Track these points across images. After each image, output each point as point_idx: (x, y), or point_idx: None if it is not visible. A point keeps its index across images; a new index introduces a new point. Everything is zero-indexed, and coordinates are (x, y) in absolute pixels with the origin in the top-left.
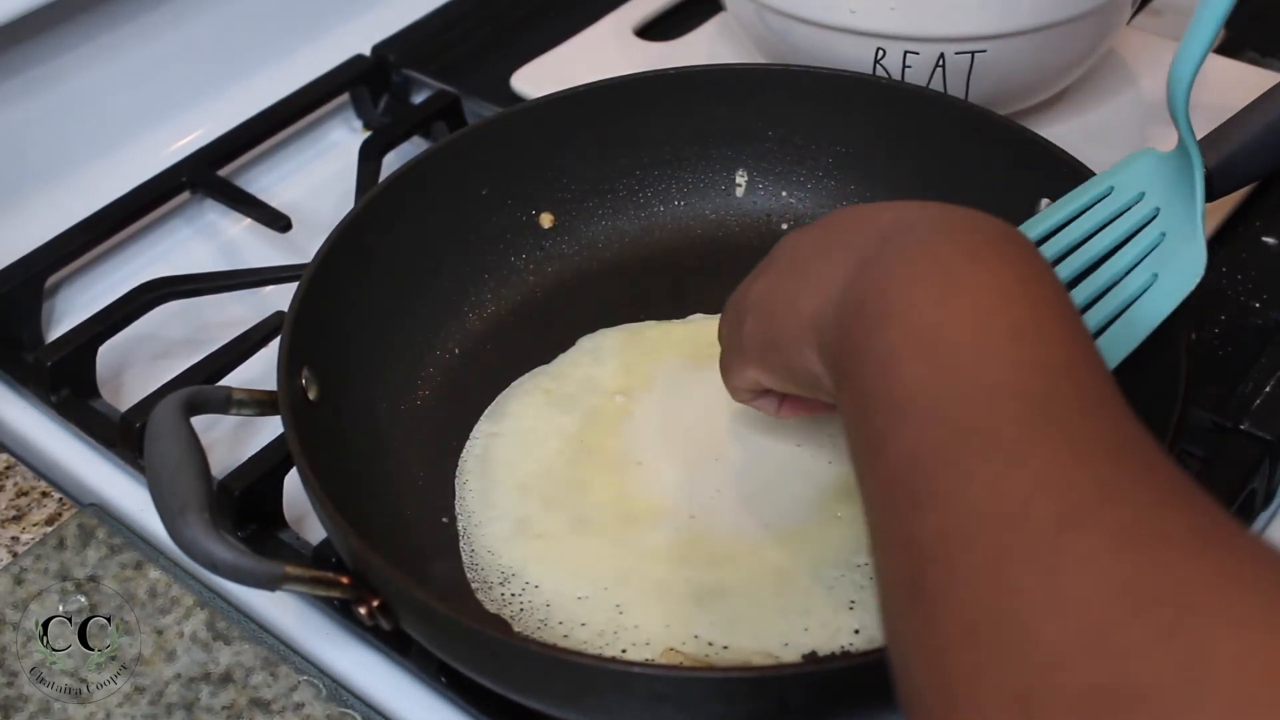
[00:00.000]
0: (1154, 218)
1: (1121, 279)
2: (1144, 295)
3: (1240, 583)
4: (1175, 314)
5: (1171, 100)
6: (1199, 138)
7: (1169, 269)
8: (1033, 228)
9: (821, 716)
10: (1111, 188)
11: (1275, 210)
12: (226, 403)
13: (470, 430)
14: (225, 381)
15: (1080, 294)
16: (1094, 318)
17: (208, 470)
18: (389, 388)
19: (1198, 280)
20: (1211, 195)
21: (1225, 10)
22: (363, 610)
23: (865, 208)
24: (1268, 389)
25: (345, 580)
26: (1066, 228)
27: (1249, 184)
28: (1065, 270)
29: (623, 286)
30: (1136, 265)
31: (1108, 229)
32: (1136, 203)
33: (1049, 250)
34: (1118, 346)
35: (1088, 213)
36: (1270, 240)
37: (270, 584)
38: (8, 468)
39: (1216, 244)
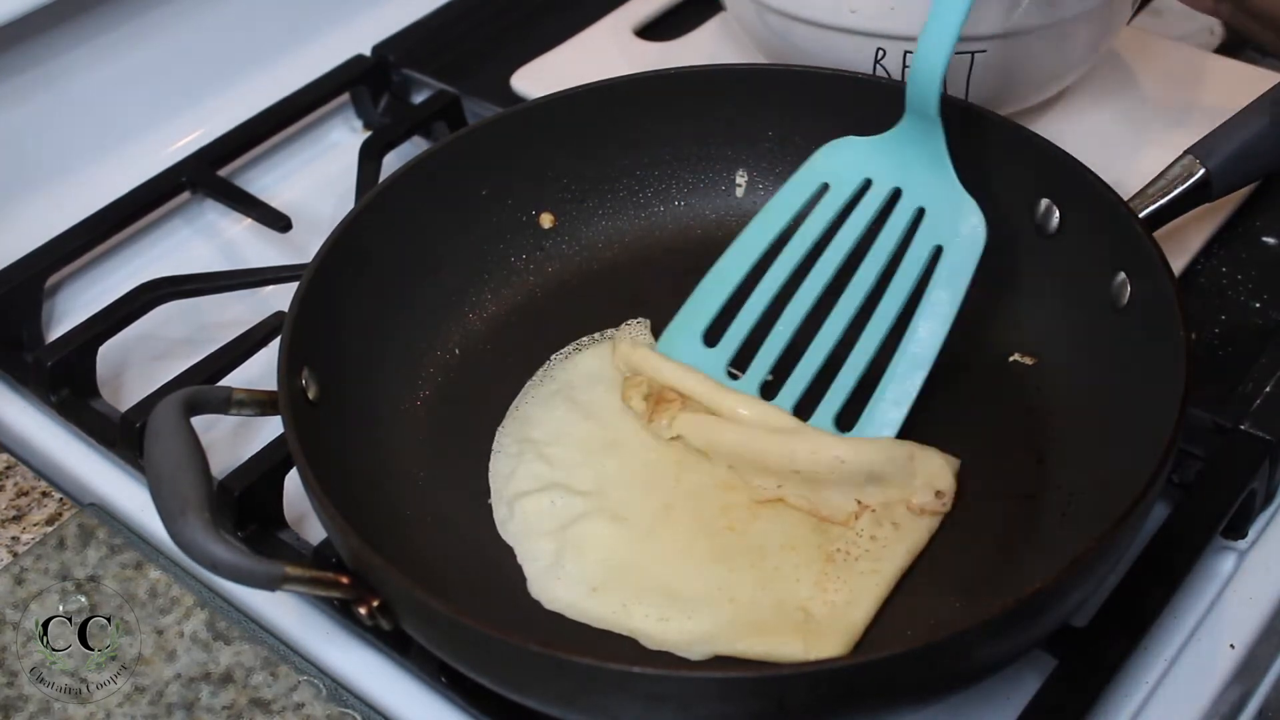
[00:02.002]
0: (896, 199)
1: (899, 261)
2: (939, 267)
3: None
4: (1175, 314)
5: (925, 80)
6: (1199, 139)
7: (950, 237)
8: (760, 233)
9: (821, 716)
10: (826, 183)
11: (1275, 210)
12: (226, 403)
13: (469, 430)
14: (225, 381)
15: (859, 288)
16: (890, 309)
17: (208, 470)
18: (389, 388)
19: (983, 236)
20: (1211, 195)
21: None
22: (362, 610)
23: None
24: (1268, 389)
25: (345, 580)
26: (795, 237)
27: (1249, 184)
28: (824, 272)
29: (623, 286)
30: (908, 244)
31: (853, 219)
32: (865, 189)
33: (783, 266)
34: (935, 323)
35: (819, 208)
36: (1270, 240)
37: (270, 584)
38: (8, 468)
39: (1216, 244)
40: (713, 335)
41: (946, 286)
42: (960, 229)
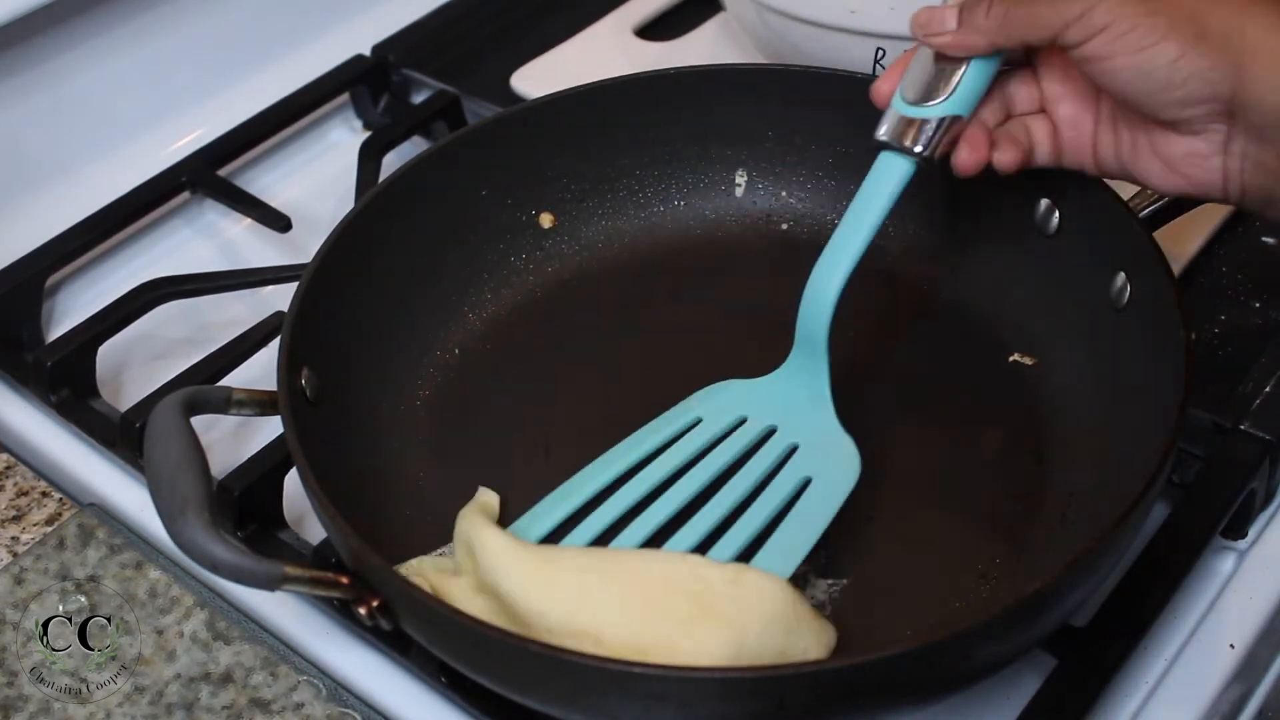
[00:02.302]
0: (769, 436)
1: (763, 488)
2: (805, 496)
3: None
4: (1175, 314)
5: (813, 308)
6: None
7: (823, 471)
8: (625, 451)
9: (821, 716)
10: (699, 417)
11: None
12: (226, 403)
13: (469, 430)
14: (225, 381)
15: (714, 513)
16: (743, 533)
17: (208, 470)
18: (389, 388)
19: (856, 475)
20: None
21: (877, 222)
22: (362, 610)
23: None
24: (1268, 389)
25: (345, 580)
26: (669, 450)
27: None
28: (691, 483)
29: (622, 286)
30: (778, 472)
31: (721, 447)
32: (738, 425)
33: (655, 472)
34: (795, 547)
35: (686, 437)
36: (1270, 240)
37: (270, 584)
38: (8, 468)
39: (1216, 244)
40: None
41: (812, 513)
42: (834, 464)
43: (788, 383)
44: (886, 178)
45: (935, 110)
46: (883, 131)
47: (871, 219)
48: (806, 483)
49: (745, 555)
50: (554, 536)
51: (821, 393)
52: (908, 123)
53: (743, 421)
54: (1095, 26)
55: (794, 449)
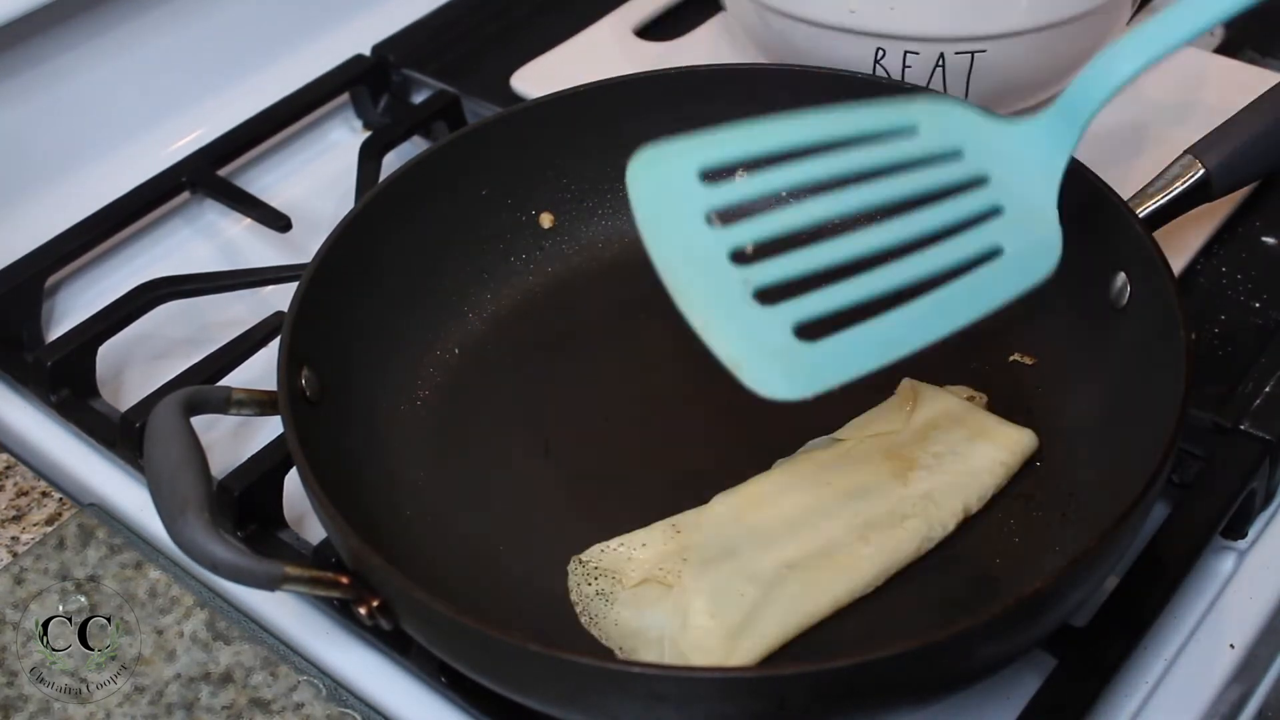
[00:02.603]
0: (977, 184)
1: (945, 236)
2: (985, 268)
3: None
4: (1176, 315)
5: (1097, 82)
6: (1199, 139)
7: (1016, 246)
8: (821, 124)
9: (821, 716)
10: (916, 126)
11: (1275, 209)
12: (226, 403)
13: (469, 430)
14: (225, 381)
15: (895, 231)
16: (919, 268)
17: (207, 470)
18: (389, 387)
19: (1050, 270)
20: (1211, 195)
21: (1226, 13)
22: (362, 610)
23: None
24: (1268, 389)
25: (345, 580)
26: (864, 148)
27: (1249, 184)
28: (868, 196)
29: (622, 287)
30: (965, 228)
31: (917, 174)
32: (950, 157)
33: (837, 162)
34: (954, 311)
35: (887, 144)
36: (1270, 240)
37: (270, 584)
38: (8, 468)
39: (1216, 244)
40: (713, 175)
41: (984, 287)
42: (1031, 248)
43: (1024, 139)
44: None
45: None
46: None
47: (1216, 11)
48: (994, 253)
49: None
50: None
51: (1055, 167)
52: None
53: (958, 154)
54: None
55: (997, 211)
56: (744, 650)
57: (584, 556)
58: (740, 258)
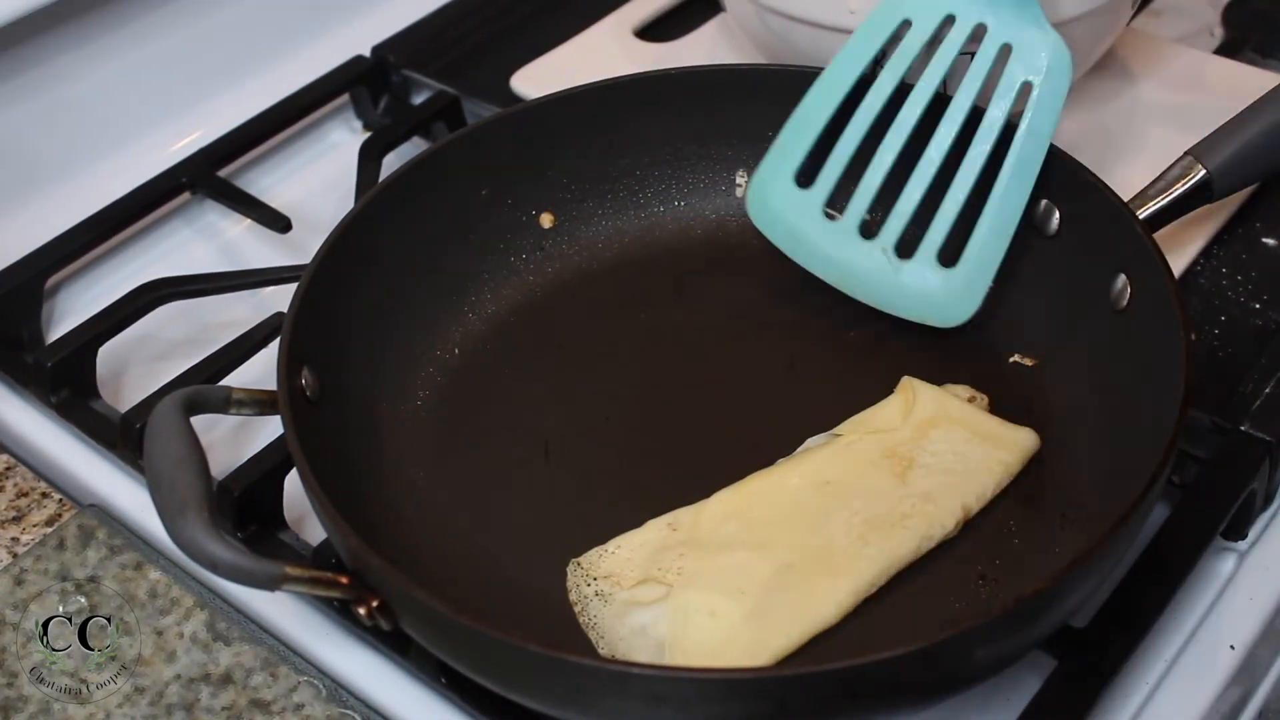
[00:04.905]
0: (980, 35)
1: (990, 100)
2: (1031, 99)
3: None
4: (1176, 316)
5: None
6: (1199, 140)
7: (1037, 72)
8: (833, 84)
9: (821, 718)
10: (907, 19)
11: (1275, 210)
12: (226, 402)
13: (469, 430)
14: (225, 382)
15: (952, 124)
16: (984, 142)
17: (207, 470)
18: (389, 388)
19: (1070, 68)
20: (1212, 197)
21: None
22: (362, 610)
23: None
24: (1268, 389)
25: (344, 580)
26: (882, 74)
27: (1249, 186)
28: (914, 110)
29: (623, 286)
30: (998, 83)
31: (938, 56)
32: (946, 25)
33: (870, 104)
34: (1031, 150)
35: (897, 52)
36: (1270, 240)
37: (270, 584)
38: (8, 468)
39: (1216, 245)
40: (805, 177)
41: (1039, 115)
42: (1048, 64)
43: None
44: None
45: None
46: None
47: None
48: (1027, 87)
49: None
50: (805, 172)
51: None
52: None
53: (951, 20)
54: None
55: (1008, 48)
56: (747, 650)
57: (582, 560)
58: (867, 228)
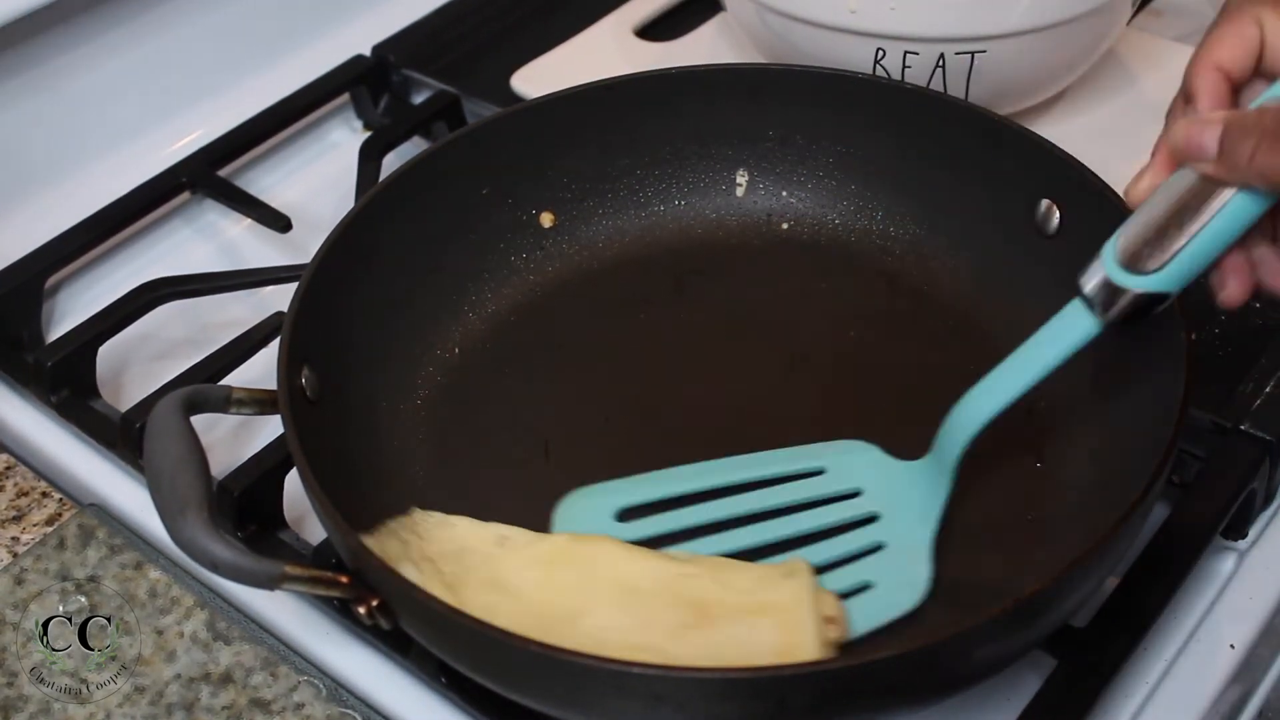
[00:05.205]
0: (869, 520)
1: (827, 569)
2: (851, 600)
3: None
4: (1175, 314)
5: (956, 429)
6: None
7: (886, 582)
8: (737, 467)
9: (821, 717)
10: (824, 469)
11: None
12: (226, 401)
13: (469, 430)
14: (225, 382)
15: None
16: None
17: (207, 469)
18: (389, 387)
19: (913, 606)
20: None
21: (1047, 369)
22: (361, 609)
23: None
24: (1268, 389)
25: (344, 579)
26: (772, 487)
27: None
28: (770, 530)
29: (623, 286)
30: (845, 563)
31: (817, 511)
32: (850, 496)
33: (748, 502)
34: None
35: (798, 483)
36: None
37: (269, 583)
38: (8, 468)
39: None
40: (627, 516)
41: (855, 611)
42: (897, 585)
43: (914, 481)
44: (1071, 331)
45: (1143, 283)
46: (1088, 288)
47: (1042, 365)
48: (863, 587)
49: None
50: (630, 514)
51: (932, 510)
52: (1112, 289)
53: (857, 494)
54: None
55: (879, 546)
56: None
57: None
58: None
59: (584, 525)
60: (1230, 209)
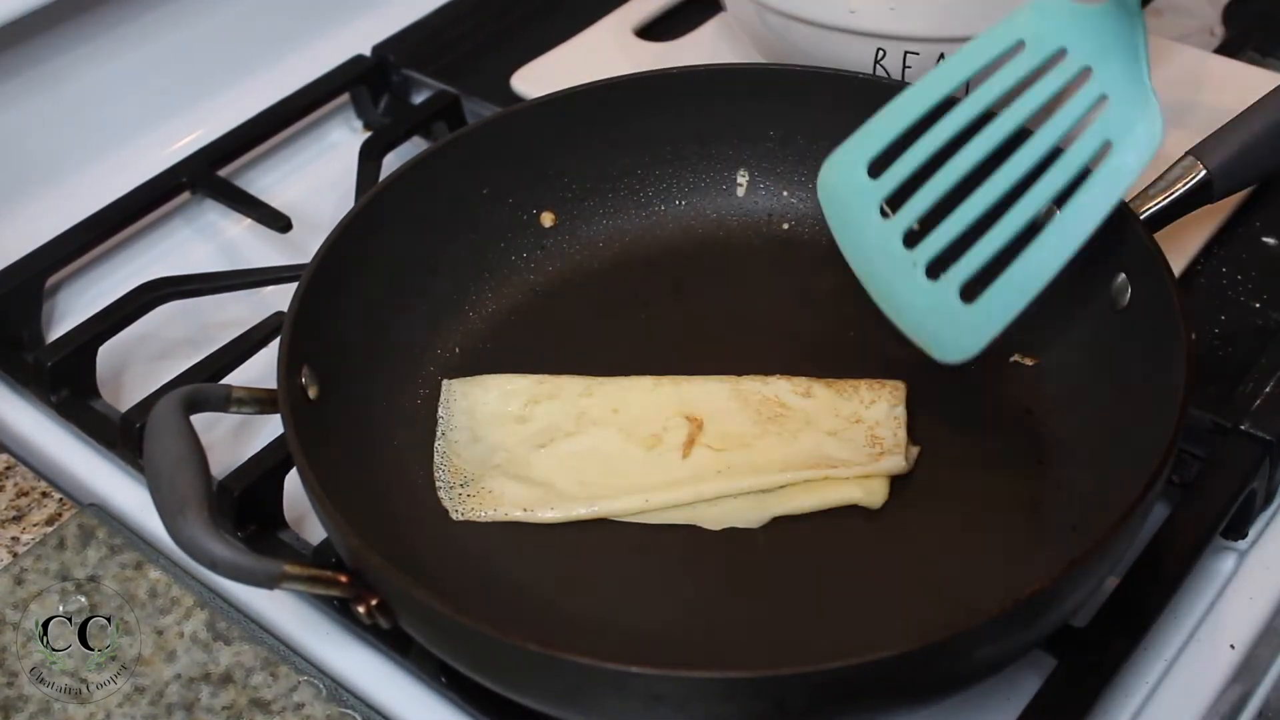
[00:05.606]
0: (1084, 77)
1: (1066, 146)
2: (1103, 163)
3: None
4: (1176, 315)
5: None
6: (1200, 140)
7: (1123, 134)
8: (935, 84)
9: (821, 717)
10: (1022, 40)
11: (1275, 210)
12: (226, 401)
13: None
14: (225, 382)
15: (1023, 160)
16: (1047, 189)
17: (207, 469)
18: (389, 387)
19: (1158, 143)
20: (1212, 197)
21: None
22: (361, 609)
23: None
24: (1268, 389)
25: (344, 579)
26: (980, 87)
27: (1250, 186)
28: (995, 134)
29: (623, 286)
30: (1081, 130)
31: (1034, 89)
32: (1056, 58)
33: (961, 113)
34: (1085, 217)
35: (1002, 70)
36: (1270, 240)
37: (269, 582)
38: (8, 468)
39: (1216, 245)
40: (876, 168)
41: (1105, 183)
42: (1136, 129)
43: (1106, 26)
44: None
45: None
46: None
47: None
48: (1106, 146)
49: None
50: (878, 163)
51: (1137, 46)
52: None
53: (1062, 54)
54: None
55: (1104, 98)
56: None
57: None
58: (910, 238)
59: (847, 198)
60: None
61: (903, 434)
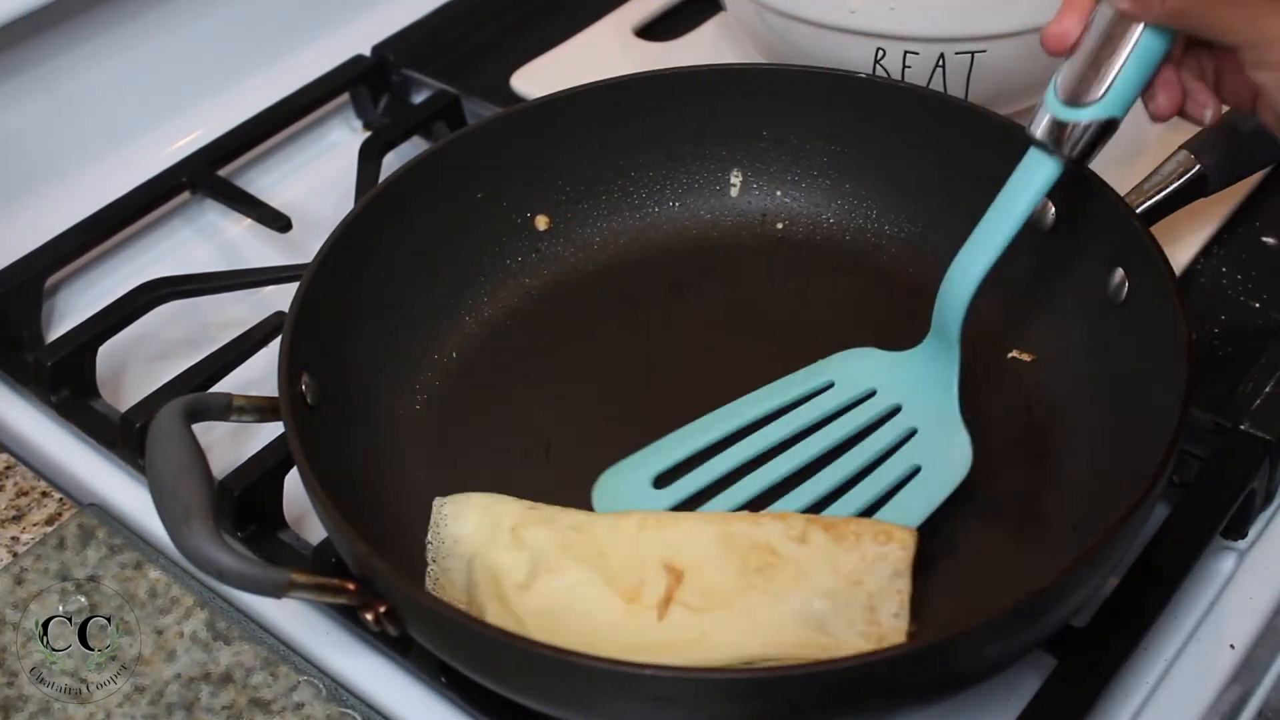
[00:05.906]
0: (894, 413)
1: (874, 467)
2: (910, 484)
3: None
4: (1174, 309)
5: (950, 298)
6: (1194, 134)
7: (932, 461)
8: (752, 404)
9: (823, 716)
10: (831, 382)
11: (1275, 210)
12: (227, 409)
13: (467, 434)
14: (225, 382)
15: (834, 476)
16: (858, 499)
17: (210, 477)
18: (388, 390)
19: (966, 472)
20: (1207, 190)
21: (1021, 219)
22: (369, 616)
23: None
24: (1268, 389)
25: (351, 586)
26: (792, 411)
27: (1244, 178)
28: (805, 451)
29: (618, 287)
30: (891, 455)
31: (839, 421)
32: (867, 397)
33: (775, 432)
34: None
35: (809, 404)
36: (1270, 240)
37: (276, 592)
38: (8, 468)
39: (1216, 244)
40: (663, 481)
41: (914, 498)
42: (946, 456)
43: (921, 363)
44: (1035, 176)
45: (1090, 114)
46: (1039, 131)
47: (1016, 215)
48: (915, 471)
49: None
50: (665, 479)
51: (950, 381)
52: (1061, 125)
53: (872, 394)
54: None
55: (912, 433)
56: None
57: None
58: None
59: (624, 501)
60: (1149, 34)
61: (905, 612)
